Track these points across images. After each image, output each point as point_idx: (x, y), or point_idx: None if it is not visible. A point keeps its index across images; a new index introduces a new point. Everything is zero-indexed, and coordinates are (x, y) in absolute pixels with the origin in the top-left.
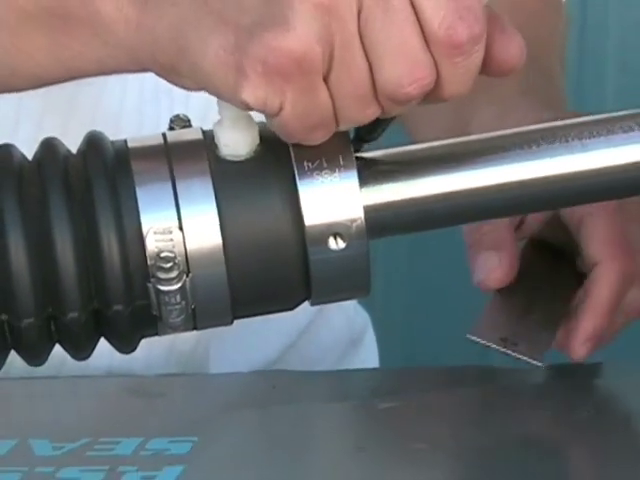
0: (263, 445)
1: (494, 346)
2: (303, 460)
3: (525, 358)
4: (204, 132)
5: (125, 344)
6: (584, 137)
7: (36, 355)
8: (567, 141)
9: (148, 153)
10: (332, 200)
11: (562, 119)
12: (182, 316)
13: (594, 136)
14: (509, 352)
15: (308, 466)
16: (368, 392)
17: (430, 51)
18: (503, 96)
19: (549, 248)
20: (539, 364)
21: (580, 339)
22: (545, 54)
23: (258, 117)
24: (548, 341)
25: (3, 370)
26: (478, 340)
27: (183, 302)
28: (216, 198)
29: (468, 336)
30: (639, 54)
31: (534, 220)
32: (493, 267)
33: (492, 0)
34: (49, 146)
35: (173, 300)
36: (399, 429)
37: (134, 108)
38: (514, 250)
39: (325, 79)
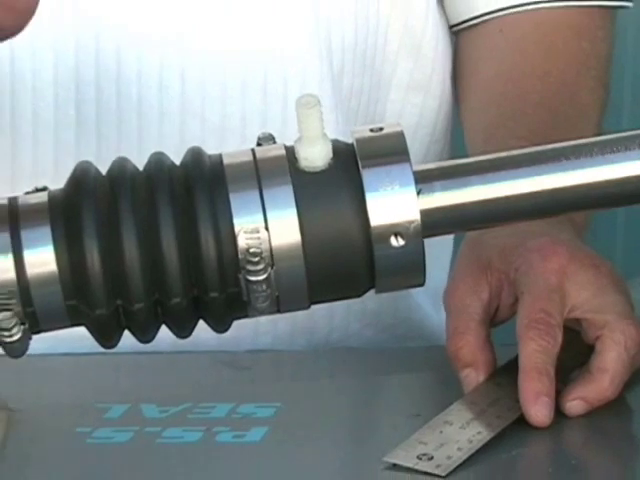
0: (334, 411)
1: (407, 465)
2: (368, 424)
3: (428, 470)
4: (286, 148)
5: (220, 325)
6: (606, 152)
7: (145, 334)
8: (591, 155)
9: (239, 165)
10: (394, 205)
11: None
12: (267, 302)
13: (614, 151)
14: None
15: (372, 429)
16: (424, 366)
17: None
18: None
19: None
20: (441, 475)
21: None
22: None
23: (331, 135)
24: (463, 448)
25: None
26: (396, 462)
27: (268, 290)
28: (296, 203)
29: (384, 459)
30: None
31: (507, 309)
32: (472, 383)
33: (523, 70)
34: (157, 159)
35: (260, 288)
36: (449, 398)
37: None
38: (489, 358)
39: None
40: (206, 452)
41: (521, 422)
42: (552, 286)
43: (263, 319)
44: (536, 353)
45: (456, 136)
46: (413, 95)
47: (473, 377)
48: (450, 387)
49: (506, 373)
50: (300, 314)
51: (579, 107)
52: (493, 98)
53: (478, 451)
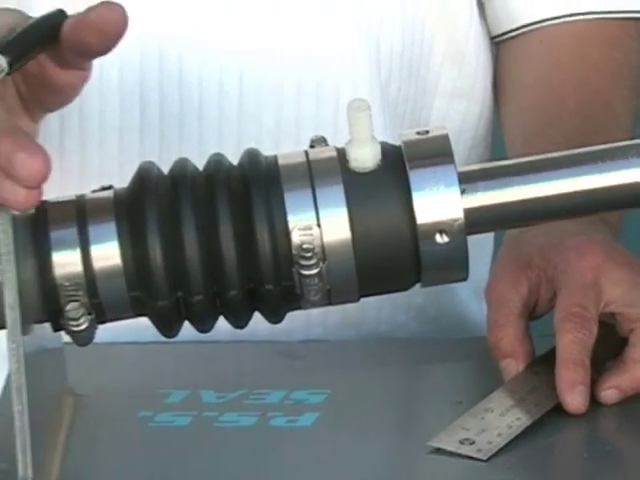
0: (381, 397)
1: (450, 449)
2: (413, 410)
3: (470, 454)
4: (337, 149)
5: (274, 316)
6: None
7: (204, 324)
8: (626, 158)
9: (293, 166)
10: (439, 204)
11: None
12: (319, 295)
13: None
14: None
15: (416, 415)
16: (466, 356)
17: None
18: None
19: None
20: (483, 458)
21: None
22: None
23: (379, 138)
24: (504, 434)
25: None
26: (439, 446)
27: (320, 283)
28: (346, 202)
29: (429, 443)
30: None
31: (545, 304)
32: (512, 372)
33: (559, 78)
34: (216, 160)
35: (312, 282)
36: (489, 386)
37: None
38: (528, 349)
39: None
40: (260, 436)
41: (558, 410)
42: (588, 282)
43: (315, 311)
44: (572, 344)
45: (496, 140)
46: (456, 102)
47: (513, 367)
48: (490, 376)
49: (544, 363)
50: (350, 307)
51: (612, 115)
52: (532, 105)
53: (517, 437)
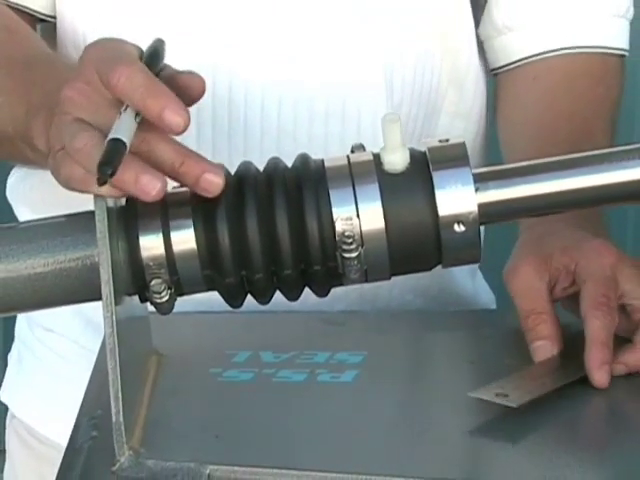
0: (410, 357)
1: (485, 398)
2: (435, 367)
3: (503, 402)
4: (374, 154)
5: (321, 291)
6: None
7: (264, 298)
8: (596, 164)
9: (337, 168)
10: (457, 199)
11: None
12: (358, 274)
13: (624, 160)
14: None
15: (438, 372)
16: (469, 325)
17: None
18: None
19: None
20: (512, 405)
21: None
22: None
23: (408, 144)
24: (533, 391)
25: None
26: (477, 396)
27: (358, 265)
28: (381, 197)
29: (469, 394)
30: None
31: (560, 292)
32: (546, 354)
33: (553, 112)
34: (274, 162)
35: (352, 264)
36: (491, 349)
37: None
38: (560, 333)
39: None
40: (309, 389)
41: (584, 383)
42: (608, 276)
43: (339, 290)
44: (601, 329)
45: (492, 150)
46: (458, 121)
47: (548, 348)
48: (489, 341)
49: (570, 344)
50: (366, 287)
51: (593, 145)
52: (527, 133)
53: (549, 409)
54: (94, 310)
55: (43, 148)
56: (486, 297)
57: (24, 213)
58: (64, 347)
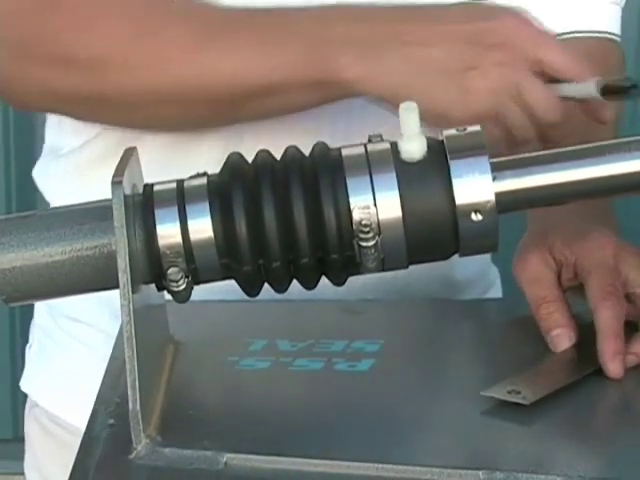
0: (425, 345)
1: (498, 396)
2: (450, 358)
3: (515, 400)
4: (391, 143)
5: (338, 280)
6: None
7: (281, 286)
8: (602, 155)
9: (354, 157)
10: (474, 188)
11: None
12: (375, 262)
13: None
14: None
15: (452, 361)
16: (495, 313)
17: None
18: None
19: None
20: (525, 402)
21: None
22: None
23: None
24: (546, 388)
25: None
26: (490, 394)
27: (376, 253)
28: (398, 186)
29: (482, 393)
30: None
31: (564, 282)
32: (564, 342)
33: None
34: (291, 151)
35: (369, 252)
36: (514, 337)
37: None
38: (575, 323)
39: None
40: (326, 377)
41: (598, 374)
42: (611, 267)
43: (368, 280)
44: (612, 319)
45: None
46: None
47: (566, 336)
48: (498, 328)
49: (579, 335)
50: (373, 277)
51: (598, 128)
52: None
53: (562, 397)
54: None
55: (353, 76)
56: (497, 283)
57: (54, 200)
58: (91, 336)
